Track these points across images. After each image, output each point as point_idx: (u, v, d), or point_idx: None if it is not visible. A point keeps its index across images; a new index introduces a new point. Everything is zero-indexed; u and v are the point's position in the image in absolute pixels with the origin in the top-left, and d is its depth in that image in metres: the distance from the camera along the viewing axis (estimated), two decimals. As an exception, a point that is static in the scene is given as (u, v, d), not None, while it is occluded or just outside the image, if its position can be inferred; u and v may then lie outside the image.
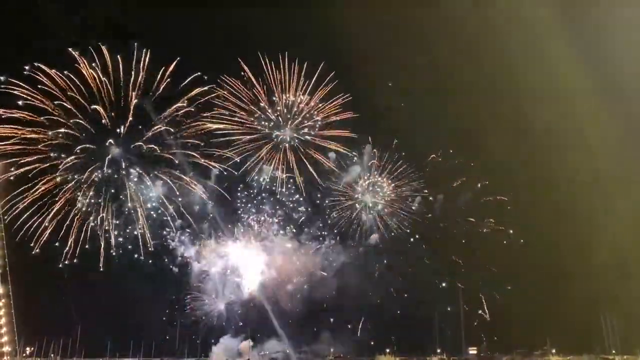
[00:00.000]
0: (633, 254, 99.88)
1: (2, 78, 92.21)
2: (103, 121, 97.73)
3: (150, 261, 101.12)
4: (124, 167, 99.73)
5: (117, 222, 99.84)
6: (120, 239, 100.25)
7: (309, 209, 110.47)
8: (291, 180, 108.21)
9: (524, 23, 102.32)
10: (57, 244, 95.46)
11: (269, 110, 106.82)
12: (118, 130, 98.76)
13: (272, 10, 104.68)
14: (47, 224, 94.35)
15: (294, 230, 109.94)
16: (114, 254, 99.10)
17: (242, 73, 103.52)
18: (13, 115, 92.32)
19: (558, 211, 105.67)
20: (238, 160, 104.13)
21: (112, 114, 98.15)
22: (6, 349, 79.76)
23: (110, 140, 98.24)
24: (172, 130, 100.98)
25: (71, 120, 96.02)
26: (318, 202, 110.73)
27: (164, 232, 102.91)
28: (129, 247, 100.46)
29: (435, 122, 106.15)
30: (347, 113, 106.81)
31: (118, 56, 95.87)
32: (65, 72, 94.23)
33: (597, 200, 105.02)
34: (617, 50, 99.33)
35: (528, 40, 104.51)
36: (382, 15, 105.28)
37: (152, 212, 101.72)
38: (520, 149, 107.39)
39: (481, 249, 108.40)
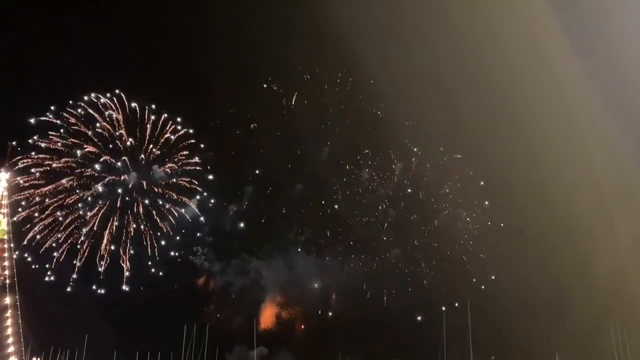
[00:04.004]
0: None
1: None
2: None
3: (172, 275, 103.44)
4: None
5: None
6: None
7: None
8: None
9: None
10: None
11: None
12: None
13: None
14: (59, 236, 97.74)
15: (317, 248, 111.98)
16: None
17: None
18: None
19: (563, 219, 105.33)
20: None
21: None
22: (13, 359, 78.97)
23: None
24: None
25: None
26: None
27: (194, 249, 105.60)
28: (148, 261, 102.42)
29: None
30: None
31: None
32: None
33: (598, 210, 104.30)
34: (622, 47, 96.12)
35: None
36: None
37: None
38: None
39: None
